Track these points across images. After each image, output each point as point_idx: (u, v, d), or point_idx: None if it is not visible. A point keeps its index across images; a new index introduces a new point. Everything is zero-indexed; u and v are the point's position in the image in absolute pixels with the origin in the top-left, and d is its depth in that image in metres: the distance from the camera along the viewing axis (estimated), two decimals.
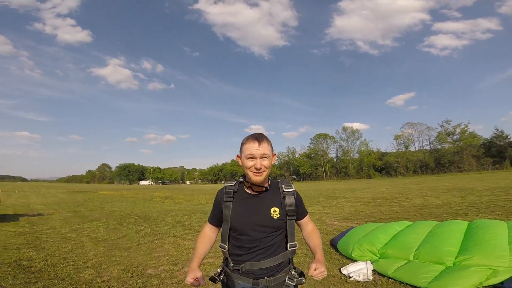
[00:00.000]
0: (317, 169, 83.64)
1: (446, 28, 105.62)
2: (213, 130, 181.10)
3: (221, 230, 1.57)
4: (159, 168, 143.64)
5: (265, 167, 1.45)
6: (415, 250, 3.70)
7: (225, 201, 1.52)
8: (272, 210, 1.49)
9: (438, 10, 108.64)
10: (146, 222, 9.15)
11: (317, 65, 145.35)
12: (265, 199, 1.52)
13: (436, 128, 68.86)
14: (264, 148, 1.46)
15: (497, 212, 7.63)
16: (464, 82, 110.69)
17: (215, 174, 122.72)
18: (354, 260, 4.06)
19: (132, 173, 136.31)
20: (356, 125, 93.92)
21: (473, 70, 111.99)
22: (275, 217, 1.48)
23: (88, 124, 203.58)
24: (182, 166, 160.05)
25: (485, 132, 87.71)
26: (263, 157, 1.45)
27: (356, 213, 9.72)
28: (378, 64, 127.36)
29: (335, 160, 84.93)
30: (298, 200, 1.58)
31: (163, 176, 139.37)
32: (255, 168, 1.44)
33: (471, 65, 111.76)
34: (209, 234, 1.65)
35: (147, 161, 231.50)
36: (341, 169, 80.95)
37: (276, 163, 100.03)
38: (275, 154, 1.57)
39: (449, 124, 65.77)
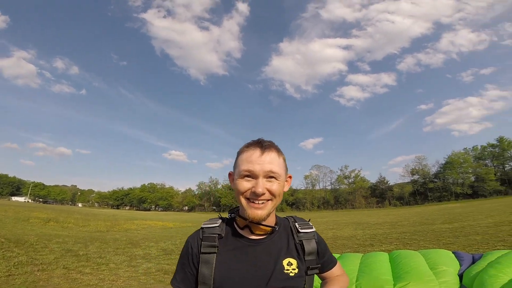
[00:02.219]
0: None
1: (356, 80, 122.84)
2: (123, 149, 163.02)
3: None
4: (43, 184, 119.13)
5: (272, 194, 0.90)
6: (356, 281, 3.68)
7: (203, 253, 0.93)
8: (285, 262, 0.93)
9: (354, 62, 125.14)
10: (20, 247, 6.96)
11: (249, 99, 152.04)
12: (273, 247, 0.95)
13: (337, 171, 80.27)
14: (271, 161, 0.91)
15: (395, 243, 8.62)
16: (360, 132, 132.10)
17: (118, 198, 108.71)
18: None
19: (3, 186, 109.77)
20: None
21: (368, 122, 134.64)
22: (291, 274, 0.92)
23: None
24: (75, 186, 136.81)
25: (372, 177, 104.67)
26: (269, 176, 0.90)
27: None
28: (299, 107, 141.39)
29: None
30: (322, 246, 1.05)
31: (47, 194, 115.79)
32: (253, 192, 0.88)
33: (366, 117, 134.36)
34: None
35: (28, 174, 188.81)
36: None
37: (196, 192, 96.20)
38: (290, 177, 1.02)
39: (346, 169, 77.70)
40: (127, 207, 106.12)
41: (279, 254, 0.94)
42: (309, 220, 1.09)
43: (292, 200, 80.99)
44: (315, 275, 1.04)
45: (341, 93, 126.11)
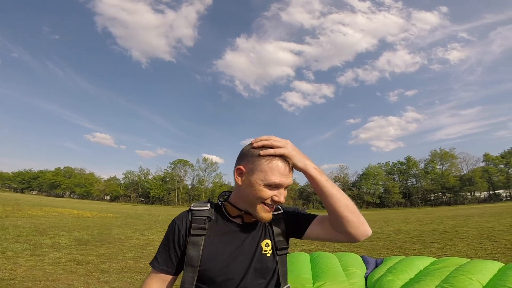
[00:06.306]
0: (169, 193, 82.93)
1: (300, 87, 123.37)
2: (38, 126, 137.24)
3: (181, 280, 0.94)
4: None
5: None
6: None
7: (193, 235, 0.95)
8: (263, 244, 1.00)
9: (301, 69, 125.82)
10: None
11: (196, 91, 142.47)
12: (256, 230, 1.02)
13: None
14: (292, 175, 0.97)
15: (315, 244, 9.39)
16: (296, 138, 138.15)
17: (24, 181, 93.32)
18: None
19: None
20: (214, 158, 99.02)
21: (304, 129, 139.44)
22: (268, 254, 0.99)
23: None
24: None
25: (300, 180, 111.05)
26: (287, 187, 0.97)
27: None
28: (246, 106, 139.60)
29: (189, 187, 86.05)
30: (291, 217, 1.09)
31: None
32: (274, 200, 0.93)
33: (303, 124, 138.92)
34: None
35: None
36: (193, 197, 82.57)
37: (122, 181, 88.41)
38: None
39: None
40: (35, 192, 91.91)
41: (259, 236, 1.01)
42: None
43: None
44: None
45: (284, 98, 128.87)
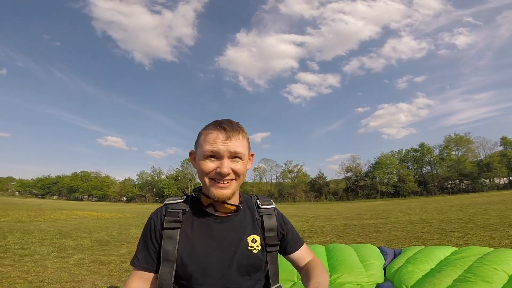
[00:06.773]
0: (183, 191, 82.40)
1: (304, 78, 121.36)
2: (51, 133, 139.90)
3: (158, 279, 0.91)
4: None
5: (236, 174, 0.92)
6: (297, 272, 3.93)
7: (166, 229, 0.92)
8: (250, 239, 0.95)
9: (305, 60, 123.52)
10: None
11: (200, 89, 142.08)
12: (238, 224, 0.97)
13: (282, 165, 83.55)
14: (236, 143, 0.91)
15: (330, 236, 9.34)
16: (303, 129, 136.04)
17: (44, 187, 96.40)
18: None
19: None
20: None
21: (311, 120, 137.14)
22: (255, 250, 0.94)
23: None
24: None
25: (312, 172, 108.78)
26: (234, 156, 0.91)
27: None
28: (250, 100, 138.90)
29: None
30: (282, 223, 1.06)
31: None
32: (218, 173, 0.89)
33: (310, 115, 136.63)
34: None
35: None
36: None
37: (136, 182, 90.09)
38: (252, 155, 1.04)
39: (291, 163, 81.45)
40: (55, 197, 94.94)
41: (244, 231, 0.96)
42: (270, 197, 1.12)
43: (240, 192, 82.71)
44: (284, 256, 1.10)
45: (290, 90, 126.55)
